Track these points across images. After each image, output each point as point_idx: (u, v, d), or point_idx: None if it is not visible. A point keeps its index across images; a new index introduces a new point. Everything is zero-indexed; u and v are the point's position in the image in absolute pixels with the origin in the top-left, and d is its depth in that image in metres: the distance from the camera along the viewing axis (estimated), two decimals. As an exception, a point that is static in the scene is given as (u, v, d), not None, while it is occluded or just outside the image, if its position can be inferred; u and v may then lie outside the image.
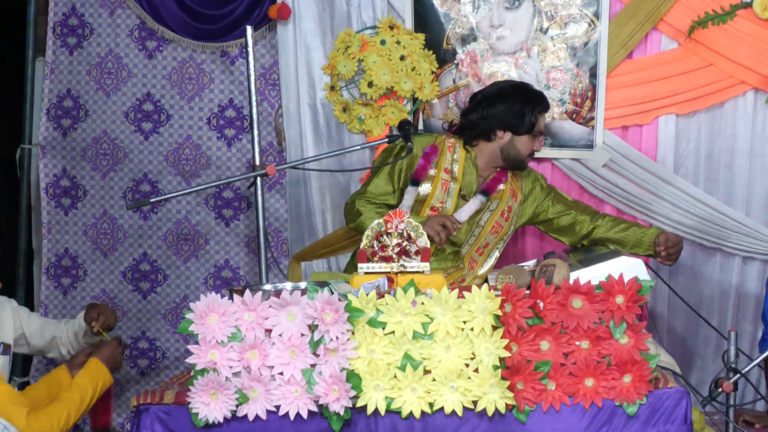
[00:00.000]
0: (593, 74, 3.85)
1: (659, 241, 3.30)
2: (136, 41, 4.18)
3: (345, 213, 3.43)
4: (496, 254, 3.44)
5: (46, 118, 4.22)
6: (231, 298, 2.55)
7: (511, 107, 3.32)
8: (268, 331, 2.51)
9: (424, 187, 3.34)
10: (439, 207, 3.33)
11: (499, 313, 2.49)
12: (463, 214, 3.33)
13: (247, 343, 2.50)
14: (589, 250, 3.33)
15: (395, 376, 2.50)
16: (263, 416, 2.51)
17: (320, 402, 2.49)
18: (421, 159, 3.36)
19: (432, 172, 3.35)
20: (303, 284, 2.69)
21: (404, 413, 2.49)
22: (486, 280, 3.33)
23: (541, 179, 3.55)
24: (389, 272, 2.79)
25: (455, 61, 3.94)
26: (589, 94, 3.86)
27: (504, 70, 3.91)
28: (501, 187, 3.39)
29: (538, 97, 3.39)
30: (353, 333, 2.51)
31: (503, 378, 2.47)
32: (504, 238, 3.43)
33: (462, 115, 3.45)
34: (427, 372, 2.50)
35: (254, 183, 3.26)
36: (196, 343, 2.52)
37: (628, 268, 2.74)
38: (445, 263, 3.34)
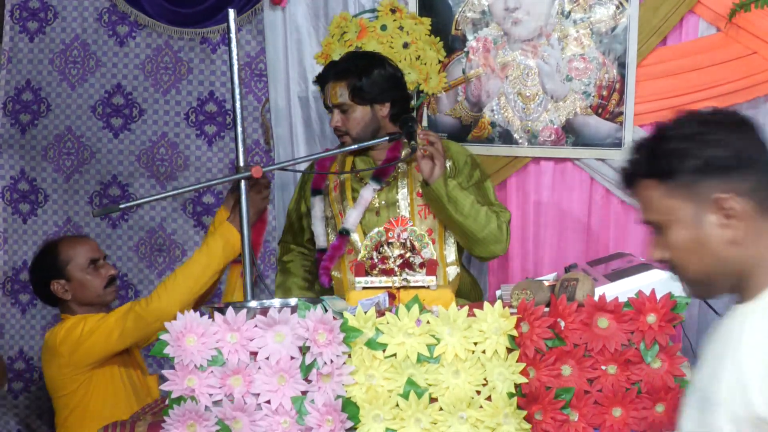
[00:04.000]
0: (622, 63, 3.86)
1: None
2: (106, 26, 4.20)
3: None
4: (452, 239, 3.41)
5: (2, 113, 4.23)
6: (211, 316, 2.55)
7: None
8: (254, 354, 2.51)
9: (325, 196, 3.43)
10: (341, 207, 3.38)
11: (515, 333, 2.49)
12: (361, 204, 3.35)
13: (229, 367, 2.50)
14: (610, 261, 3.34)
15: (397, 405, 2.50)
16: (247, 450, 2.51)
17: (312, 434, 2.49)
18: (317, 166, 3.46)
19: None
20: (293, 301, 2.69)
21: (407, 447, 2.49)
22: (499, 297, 3.34)
23: (473, 162, 3.45)
24: (390, 287, 2.79)
25: (465, 49, 3.95)
26: (617, 85, 3.87)
27: (520, 58, 3.92)
28: (403, 167, 3.38)
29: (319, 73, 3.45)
30: (350, 356, 2.51)
31: (519, 407, 2.47)
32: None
33: None
34: (433, 400, 2.50)
35: (238, 186, 3.26)
36: (172, 367, 2.52)
37: (661, 282, 2.73)
38: None
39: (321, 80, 3.41)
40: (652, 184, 1.67)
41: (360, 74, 3.31)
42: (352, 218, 3.34)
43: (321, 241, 3.43)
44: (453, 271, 3.35)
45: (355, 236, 3.33)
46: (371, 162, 3.41)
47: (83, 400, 3.20)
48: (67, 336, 3.17)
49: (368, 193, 3.36)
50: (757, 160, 1.65)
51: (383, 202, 3.37)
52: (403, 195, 3.37)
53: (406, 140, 3.33)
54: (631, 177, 1.70)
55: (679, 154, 1.64)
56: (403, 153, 3.36)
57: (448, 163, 3.37)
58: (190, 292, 3.13)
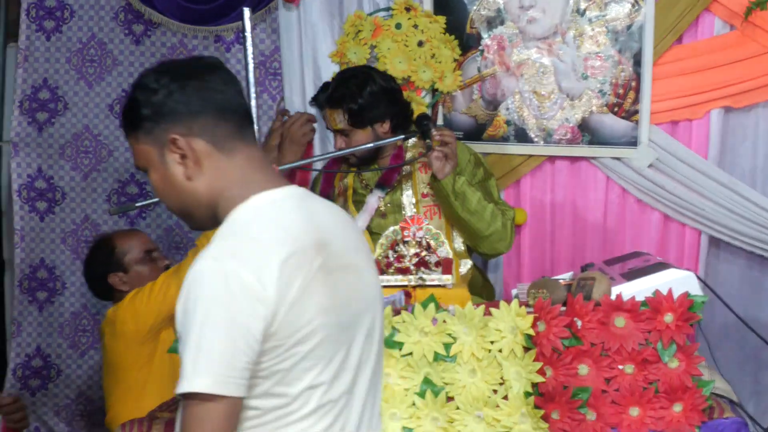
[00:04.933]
0: (637, 62, 3.84)
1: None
2: (122, 25, 4.20)
3: None
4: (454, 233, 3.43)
5: (19, 111, 4.24)
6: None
7: None
8: (270, 353, 2.51)
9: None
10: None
11: (532, 332, 2.48)
12: (367, 211, 3.36)
13: (246, 365, 2.50)
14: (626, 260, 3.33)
15: (414, 404, 2.50)
16: (264, 448, 2.51)
17: (329, 433, 2.49)
18: (325, 168, 3.51)
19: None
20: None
21: (424, 446, 2.49)
22: (516, 296, 3.34)
23: (477, 160, 3.45)
24: (406, 286, 2.79)
25: (480, 48, 3.94)
26: (633, 84, 3.85)
27: (535, 56, 3.91)
28: (408, 169, 3.38)
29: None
30: (366, 355, 2.51)
31: (536, 406, 2.47)
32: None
33: None
34: (449, 399, 2.50)
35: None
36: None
37: (678, 281, 2.72)
38: None
39: (317, 104, 3.41)
40: (130, 134, 1.85)
41: (354, 97, 3.29)
42: (359, 224, 3.34)
43: None
44: (464, 264, 3.37)
45: None
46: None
47: (139, 377, 3.25)
48: (128, 305, 3.26)
49: (374, 200, 3.37)
50: (208, 104, 1.81)
51: (389, 205, 3.38)
52: (407, 196, 3.38)
53: (420, 138, 3.33)
54: (122, 128, 1.88)
55: (137, 103, 1.82)
56: (407, 156, 3.38)
57: None
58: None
